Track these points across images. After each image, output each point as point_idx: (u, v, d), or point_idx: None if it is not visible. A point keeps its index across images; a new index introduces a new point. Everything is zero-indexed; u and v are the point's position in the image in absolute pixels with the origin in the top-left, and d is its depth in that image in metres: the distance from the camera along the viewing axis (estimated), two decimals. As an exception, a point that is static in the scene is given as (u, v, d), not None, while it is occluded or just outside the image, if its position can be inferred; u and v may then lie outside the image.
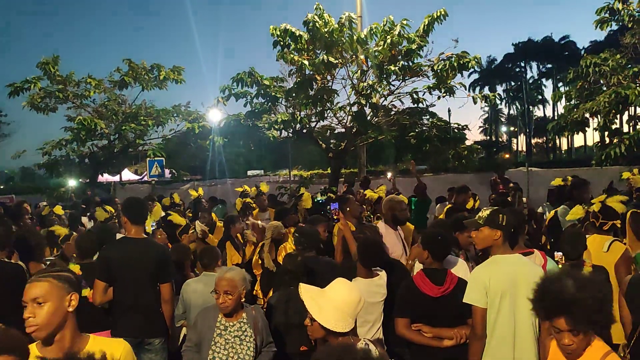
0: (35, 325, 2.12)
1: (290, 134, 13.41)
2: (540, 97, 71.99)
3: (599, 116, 12.15)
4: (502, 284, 3.31)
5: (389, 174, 15.18)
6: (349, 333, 2.54)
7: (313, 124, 13.19)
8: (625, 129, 16.70)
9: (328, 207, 6.81)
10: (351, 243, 4.67)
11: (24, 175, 51.15)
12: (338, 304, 2.53)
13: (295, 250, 5.05)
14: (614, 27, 12.50)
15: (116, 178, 22.81)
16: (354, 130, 12.62)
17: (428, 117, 13.56)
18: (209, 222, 7.44)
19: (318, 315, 2.52)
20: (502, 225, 3.47)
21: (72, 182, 16.23)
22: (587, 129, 14.03)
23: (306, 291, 2.64)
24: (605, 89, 11.89)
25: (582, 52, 52.99)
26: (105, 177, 22.71)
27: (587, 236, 4.43)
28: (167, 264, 4.35)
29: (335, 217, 5.35)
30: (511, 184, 10.67)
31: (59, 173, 16.43)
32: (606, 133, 12.79)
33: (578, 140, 60.59)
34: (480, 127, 75.16)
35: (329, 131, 14.87)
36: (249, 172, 47.58)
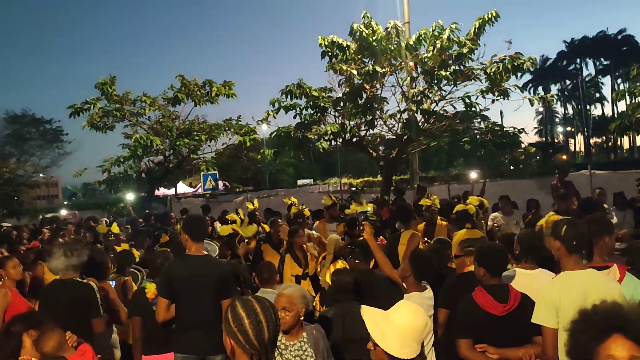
0: None
1: (340, 144, 13.36)
2: (597, 95, 69.13)
3: (666, 114, 11.50)
4: (574, 302, 3.08)
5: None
6: (415, 359, 2.41)
7: (363, 133, 13.10)
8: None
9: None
10: (376, 252, 4.66)
11: (85, 192, 53.48)
12: (403, 329, 2.38)
13: (349, 261, 4.98)
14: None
15: (171, 191, 23.43)
16: (405, 138, 12.44)
17: (480, 121, 13.21)
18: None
19: (381, 341, 2.38)
20: (562, 236, 3.26)
21: (130, 197, 16.78)
22: (652, 127, 13.29)
23: (368, 314, 2.50)
24: (672, 84, 11.25)
25: (643, 46, 50.59)
26: (161, 191, 23.39)
27: None
28: (229, 280, 4.36)
29: (361, 227, 5.31)
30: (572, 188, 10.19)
31: (118, 189, 17.04)
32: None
33: (641, 138, 57.66)
34: (534, 128, 72.92)
35: (379, 139, 14.73)
36: (299, 182, 47.90)
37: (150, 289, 4.47)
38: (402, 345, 2.35)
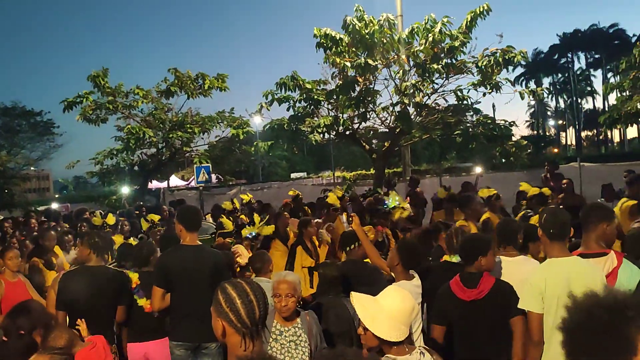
0: None
1: (333, 137, 13.42)
2: (589, 88, 69.51)
3: (655, 107, 11.65)
4: (558, 288, 3.18)
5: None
6: (403, 342, 2.49)
7: (356, 126, 13.16)
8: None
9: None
10: (365, 244, 4.73)
11: (77, 184, 53.21)
12: (392, 312, 2.46)
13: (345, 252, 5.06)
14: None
15: (164, 184, 23.42)
16: (397, 131, 12.52)
17: (472, 114, 13.31)
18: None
19: (371, 324, 2.46)
20: (542, 224, 3.38)
21: (124, 190, 16.78)
22: (642, 120, 13.46)
23: (358, 300, 2.57)
24: (661, 78, 11.39)
25: (634, 39, 50.88)
26: (154, 184, 23.36)
27: None
28: (223, 270, 4.44)
29: (350, 219, 5.39)
30: (565, 180, 10.31)
31: (111, 181, 17.02)
32: (663, 124, 12.22)
33: (631, 132, 58.11)
34: (526, 121, 73.23)
35: (372, 132, 14.80)
36: (292, 175, 47.91)
37: (133, 278, 4.56)
38: (391, 328, 2.43)
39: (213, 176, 16.24)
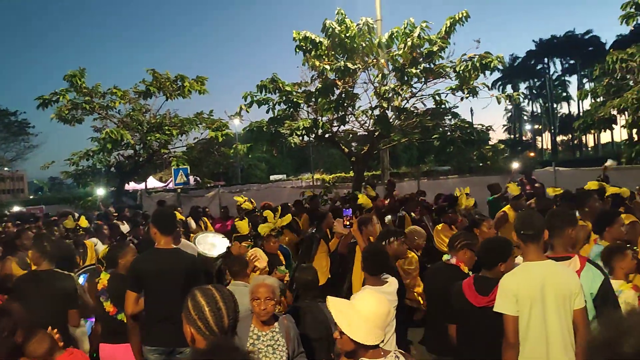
0: None
1: (312, 139, 13.43)
2: (564, 93, 70.80)
3: (626, 113, 11.91)
4: (531, 291, 3.25)
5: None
6: (379, 345, 2.50)
7: (335, 129, 13.19)
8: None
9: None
10: (361, 246, 4.81)
11: (52, 186, 52.25)
12: (367, 316, 2.48)
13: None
14: (640, 21, 12.23)
15: (142, 186, 23.13)
16: (376, 134, 12.58)
17: (451, 118, 13.44)
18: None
19: (347, 328, 2.46)
20: (515, 227, 3.43)
21: (100, 192, 16.53)
22: (614, 126, 13.75)
23: (334, 304, 2.58)
24: (632, 85, 11.65)
25: (607, 46, 52.00)
26: (131, 186, 23.07)
27: None
28: (198, 274, 4.40)
29: (347, 223, 5.38)
30: (537, 184, 10.53)
31: (87, 183, 16.77)
32: (634, 130, 12.51)
33: (605, 136, 59.33)
34: (504, 125, 74.26)
35: (351, 135, 14.85)
36: (272, 177, 47.74)
37: (102, 280, 4.51)
38: (367, 332, 2.44)
39: (191, 178, 16.10)
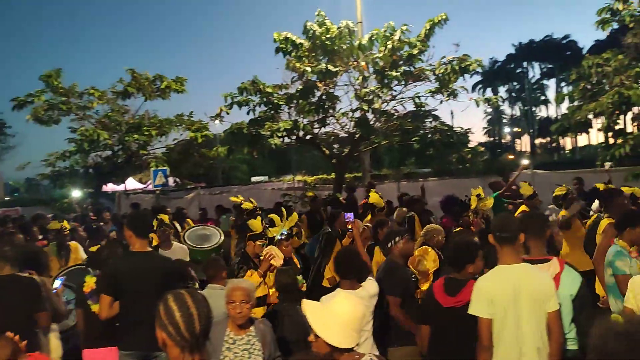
0: None
1: (293, 141, 13.42)
2: (543, 97, 71.88)
3: (602, 117, 12.13)
4: (505, 294, 3.28)
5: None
6: (353, 348, 2.48)
7: (316, 131, 13.19)
8: (630, 129, 16.65)
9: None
10: (362, 252, 4.78)
11: (28, 187, 51.33)
12: (342, 319, 2.45)
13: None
14: (616, 26, 12.46)
15: (121, 187, 22.85)
16: (357, 136, 12.61)
17: (431, 120, 13.54)
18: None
19: (322, 332, 2.44)
20: (492, 229, 3.46)
21: (76, 193, 16.28)
22: (590, 129, 13.99)
23: (309, 307, 2.56)
24: (608, 89, 11.86)
25: (584, 51, 52.93)
26: (110, 187, 22.75)
27: None
28: (174, 277, 4.36)
29: (349, 227, 5.38)
30: (514, 187, 10.61)
31: (63, 184, 16.52)
32: (610, 134, 12.74)
33: (582, 139, 60.37)
34: (484, 128, 75.07)
35: (332, 137, 14.88)
36: (253, 179, 47.53)
37: (89, 282, 4.42)
38: (343, 335, 2.43)
39: (170, 180, 15.94)
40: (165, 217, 7.28)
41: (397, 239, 4.74)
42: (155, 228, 6.85)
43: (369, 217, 7.67)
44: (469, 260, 3.78)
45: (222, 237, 7.66)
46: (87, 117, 16.13)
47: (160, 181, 14.44)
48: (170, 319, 2.07)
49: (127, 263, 4.25)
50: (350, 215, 5.64)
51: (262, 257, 5.10)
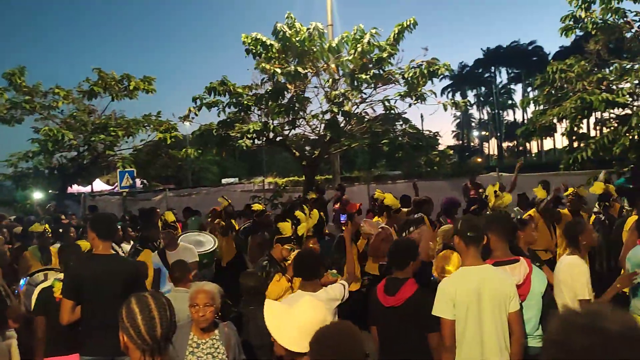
0: None
1: (263, 143, 13.36)
2: (510, 101, 73.46)
3: (565, 121, 12.42)
4: (468, 295, 3.33)
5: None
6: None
7: (286, 132, 13.17)
8: (592, 133, 17.12)
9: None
10: (347, 250, 4.87)
11: (-10, 188, 49.78)
12: (301, 323, 2.40)
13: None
14: (579, 33, 12.80)
15: (87, 189, 22.36)
16: (327, 138, 12.64)
17: (401, 123, 13.66)
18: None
19: (277, 335, 2.43)
20: (457, 230, 3.49)
21: (37, 195, 15.84)
22: (555, 133, 14.32)
23: (269, 308, 2.53)
24: (571, 94, 12.17)
25: (550, 56, 54.30)
26: (75, 189, 22.23)
27: None
28: (137, 280, 4.27)
29: (344, 229, 5.42)
30: (481, 189, 10.81)
31: (26, 185, 16.06)
32: (573, 137, 13.06)
33: (548, 143, 61.96)
34: (453, 131, 76.25)
35: (303, 139, 14.87)
36: (224, 180, 47.17)
37: (58, 287, 4.31)
38: (298, 339, 2.37)
39: (138, 181, 15.67)
40: (170, 217, 6.94)
41: (412, 228, 4.78)
42: (160, 228, 6.67)
43: (383, 218, 7.44)
44: (412, 257, 3.82)
45: (217, 243, 7.53)
46: (51, 116, 15.73)
47: (127, 183, 14.19)
48: (132, 322, 2.05)
49: (90, 266, 4.14)
50: (344, 217, 5.67)
51: (288, 262, 4.91)
